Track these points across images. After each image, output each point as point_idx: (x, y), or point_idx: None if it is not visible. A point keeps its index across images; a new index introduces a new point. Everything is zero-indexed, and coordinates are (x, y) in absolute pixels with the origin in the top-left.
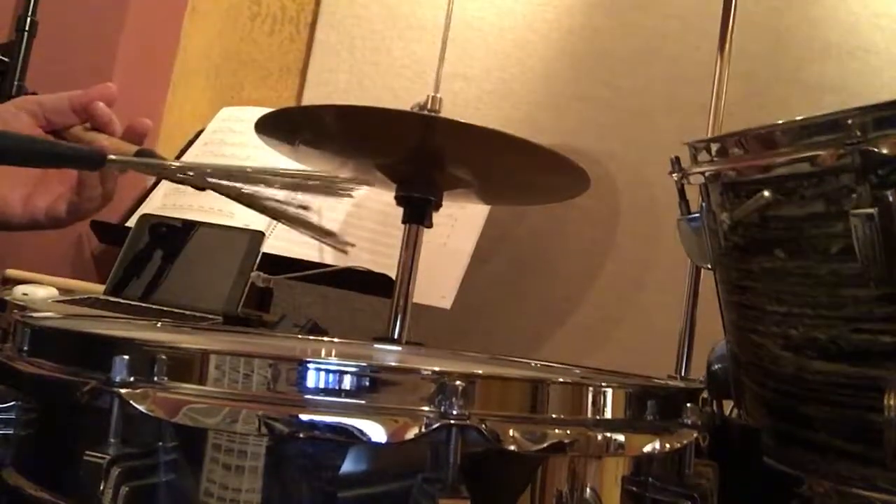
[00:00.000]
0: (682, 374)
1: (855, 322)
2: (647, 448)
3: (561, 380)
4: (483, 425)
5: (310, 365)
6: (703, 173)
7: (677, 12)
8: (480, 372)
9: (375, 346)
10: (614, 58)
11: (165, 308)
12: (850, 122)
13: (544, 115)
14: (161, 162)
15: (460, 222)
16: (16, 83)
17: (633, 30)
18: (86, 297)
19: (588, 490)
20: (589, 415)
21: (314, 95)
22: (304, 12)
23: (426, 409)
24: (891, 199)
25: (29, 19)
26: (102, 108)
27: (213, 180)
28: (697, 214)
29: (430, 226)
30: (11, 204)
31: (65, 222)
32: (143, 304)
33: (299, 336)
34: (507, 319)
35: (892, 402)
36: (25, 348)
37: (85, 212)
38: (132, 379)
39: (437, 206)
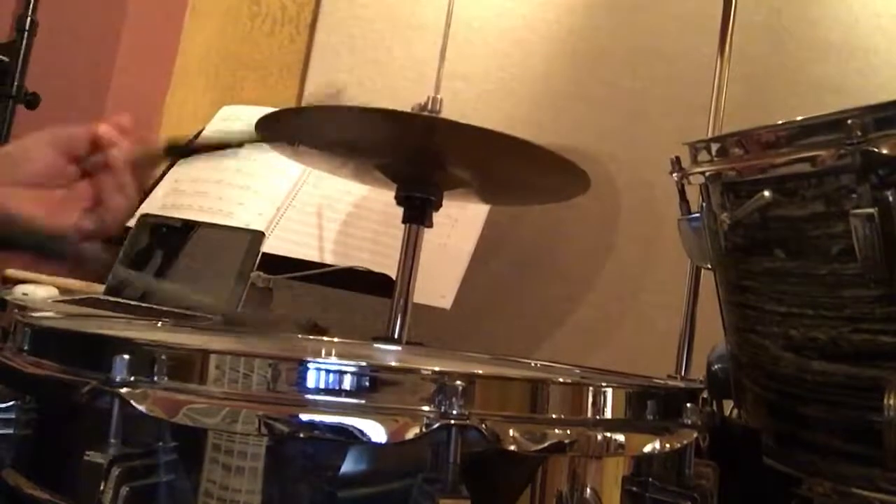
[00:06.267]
0: (682, 374)
1: (855, 322)
2: (647, 448)
3: (561, 380)
4: (483, 425)
5: (310, 365)
6: (703, 173)
7: (677, 12)
8: (480, 372)
9: (375, 346)
10: (614, 58)
11: (165, 308)
12: (850, 122)
13: (544, 115)
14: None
15: (460, 222)
16: (16, 83)
17: (633, 30)
18: (86, 297)
19: (588, 490)
20: (589, 415)
21: (314, 95)
22: (304, 12)
23: (426, 409)
24: (891, 199)
25: (29, 19)
26: (108, 132)
27: None
28: (697, 214)
29: (430, 226)
30: (38, 220)
31: (94, 235)
32: (143, 304)
33: (299, 336)
34: (507, 319)
35: (892, 402)
36: (26, 348)
37: (109, 223)
38: (132, 379)
39: (437, 206)
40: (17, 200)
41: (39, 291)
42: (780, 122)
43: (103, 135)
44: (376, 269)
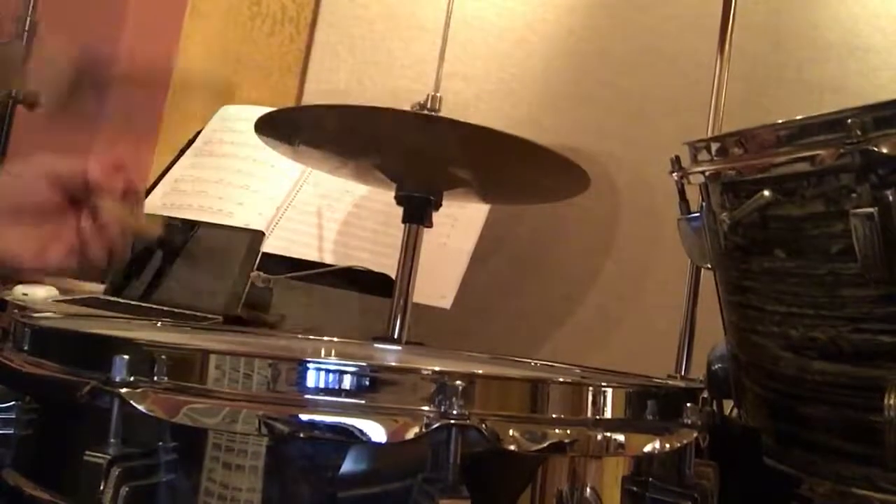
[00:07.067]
0: (682, 374)
1: (855, 322)
2: (648, 448)
3: (561, 380)
4: (483, 425)
5: (310, 365)
6: (703, 173)
7: (677, 12)
8: (480, 372)
9: (375, 346)
10: (614, 58)
11: (165, 308)
12: (850, 121)
13: (544, 115)
14: None
15: (460, 222)
16: None
17: (633, 30)
18: (86, 297)
19: (588, 490)
20: (589, 415)
21: (314, 95)
22: (304, 12)
23: (426, 408)
24: (891, 198)
25: (29, 19)
26: (97, 177)
27: None
28: (697, 214)
29: (430, 226)
30: (22, 258)
31: (74, 273)
32: (143, 304)
33: (299, 335)
34: (507, 319)
35: (892, 402)
36: (26, 348)
37: (92, 263)
38: (132, 379)
39: (437, 205)
40: (3, 239)
41: (39, 291)
42: (779, 121)
43: (92, 181)
44: (376, 269)
